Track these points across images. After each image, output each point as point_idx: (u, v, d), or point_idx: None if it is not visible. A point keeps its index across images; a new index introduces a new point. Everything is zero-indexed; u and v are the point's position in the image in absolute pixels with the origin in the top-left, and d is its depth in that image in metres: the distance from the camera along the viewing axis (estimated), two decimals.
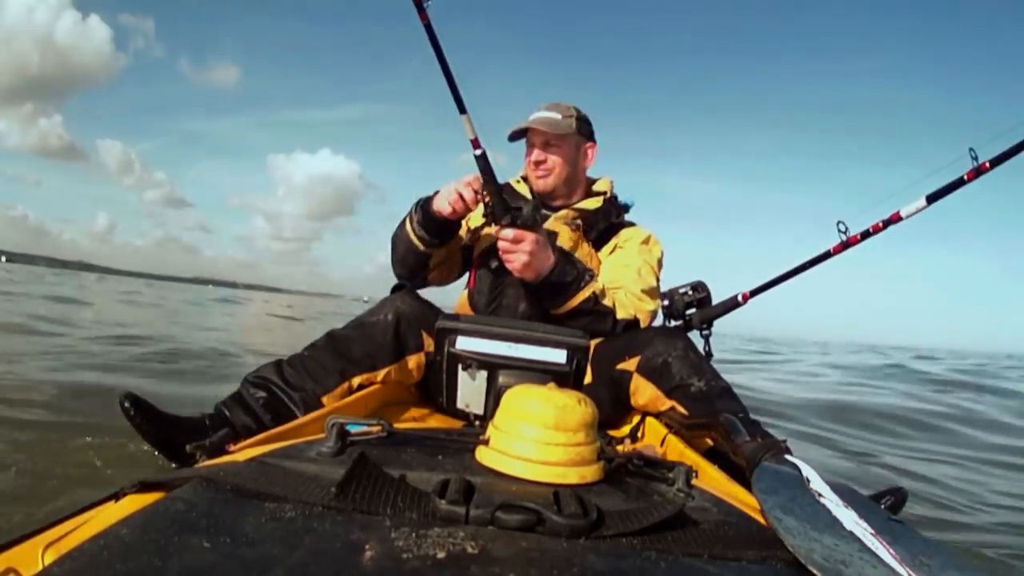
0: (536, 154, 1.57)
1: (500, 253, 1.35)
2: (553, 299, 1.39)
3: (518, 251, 1.31)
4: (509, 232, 1.31)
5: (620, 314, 1.41)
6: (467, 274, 1.65)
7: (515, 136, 1.59)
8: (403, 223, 1.46)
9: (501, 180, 1.44)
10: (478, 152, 1.40)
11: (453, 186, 1.35)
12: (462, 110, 1.41)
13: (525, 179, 1.64)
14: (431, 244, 1.44)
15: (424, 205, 1.40)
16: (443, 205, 1.34)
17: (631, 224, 1.64)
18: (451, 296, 1.67)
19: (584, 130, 1.59)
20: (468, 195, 1.32)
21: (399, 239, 1.47)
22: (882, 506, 1.17)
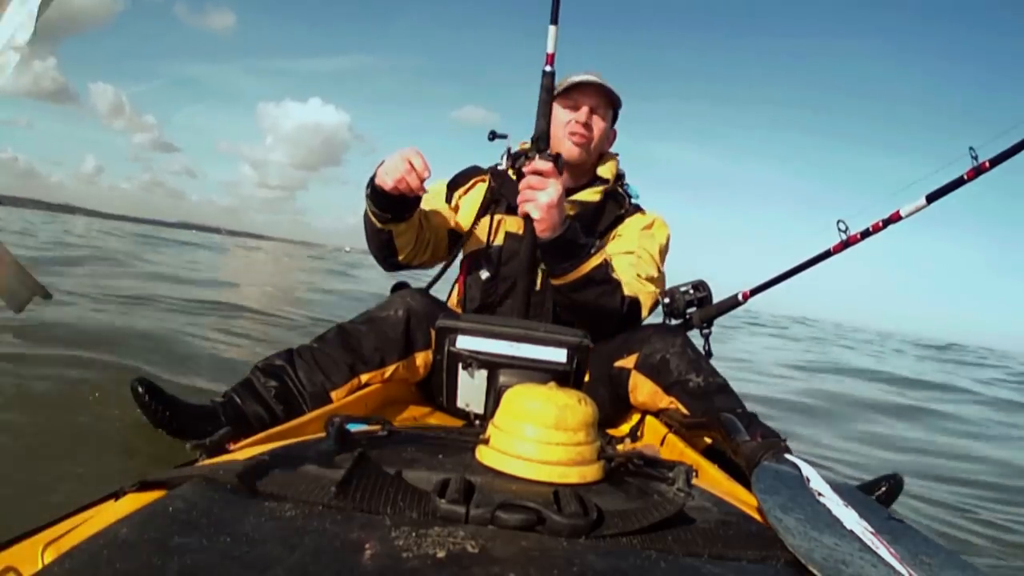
0: (584, 114, 1.44)
1: (522, 188, 1.22)
2: (563, 263, 1.28)
3: (547, 188, 1.19)
4: (544, 163, 1.20)
5: (626, 290, 1.34)
6: (452, 274, 1.57)
7: (565, 94, 1.45)
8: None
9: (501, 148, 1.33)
10: (548, 68, 1.29)
11: (398, 157, 1.22)
12: (554, 20, 1.28)
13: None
14: (385, 220, 1.33)
15: (372, 176, 1.29)
16: (385, 180, 1.23)
17: (637, 209, 1.56)
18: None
19: (618, 111, 1.53)
20: (418, 164, 1.20)
21: (364, 216, 1.38)
22: (878, 493, 1.17)
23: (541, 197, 1.19)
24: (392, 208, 1.30)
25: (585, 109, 1.45)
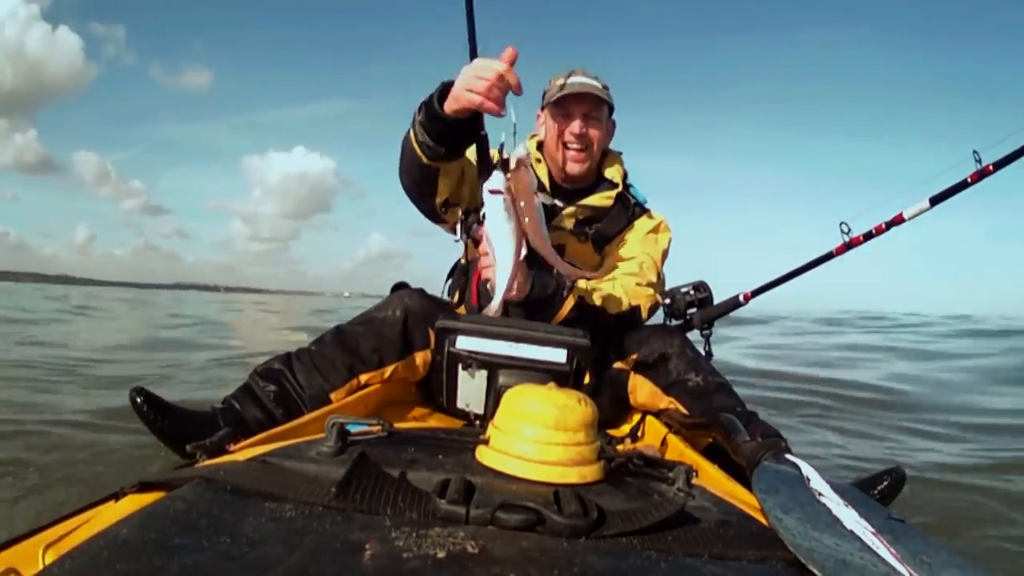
0: (578, 126, 1.36)
1: (479, 262, 1.14)
2: (539, 314, 1.24)
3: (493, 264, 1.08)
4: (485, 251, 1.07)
5: (612, 309, 1.31)
6: (459, 276, 1.54)
7: (556, 103, 1.35)
8: (410, 126, 1.15)
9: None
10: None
11: (483, 67, 0.99)
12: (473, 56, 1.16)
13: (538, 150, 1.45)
14: (436, 156, 1.13)
15: (430, 101, 1.07)
16: (466, 96, 1.00)
17: (644, 211, 1.53)
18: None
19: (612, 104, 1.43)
20: (513, 80, 0.97)
21: (404, 146, 1.18)
22: (879, 488, 1.17)
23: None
24: (451, 140, 1.11)
25: (578, 121, 1.38)
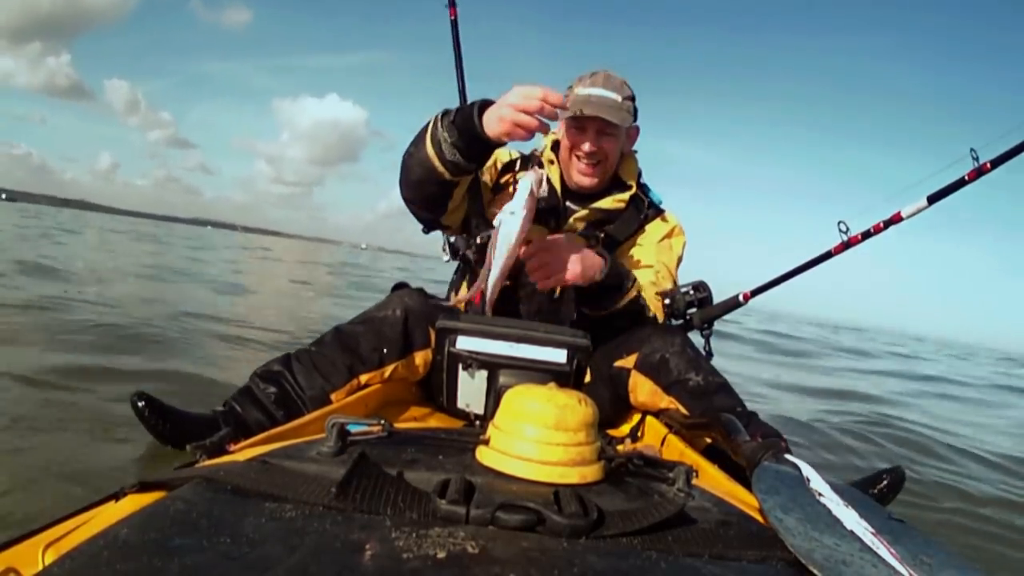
0: (589, 146, 1.35)
1: (530, 269, 1.15)
2: (599, 303, 1.27)
3: (562, 257, 1.13)
4: (552, 240, 1.13)
5: (647, 314, 1.34)
6: (462, 275, 1.55)
7: (572, 119, 1.33)
8: (421, 140, 1.15)
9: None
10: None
11: (525, 95, 1.01)
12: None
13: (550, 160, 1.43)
14: (462, 171, 1.14)
15: (465, 120, 1.07)
16: (508, 124, 1.02)
17: (658, 213, 1.51)
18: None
19: (635, 107, 1.39)
20: (554, 98, 1.00)
21: (415, 161, 1.17)
22: (879, 487, 1.17)
23: (562, 271, 1.14)
24: (481, 156, 1.13)
25: (590, 140, 1.36)
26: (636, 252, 1.47)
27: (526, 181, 1.07)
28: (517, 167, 1.46)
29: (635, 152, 1.53)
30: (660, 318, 1.41)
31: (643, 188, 1.51)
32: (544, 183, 1.08)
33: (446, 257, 1.53)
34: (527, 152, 1.49)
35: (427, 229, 1.38)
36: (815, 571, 0.48)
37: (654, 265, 1.44)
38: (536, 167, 1.11)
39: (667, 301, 1.62)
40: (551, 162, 1.45)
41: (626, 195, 1.45)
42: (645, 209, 1.49)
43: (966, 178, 1.46)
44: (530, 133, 1.03)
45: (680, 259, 1.53)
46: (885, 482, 1.18)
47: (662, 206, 1.53)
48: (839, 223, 1.60)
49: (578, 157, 1.39)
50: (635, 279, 1.31)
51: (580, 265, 1.16)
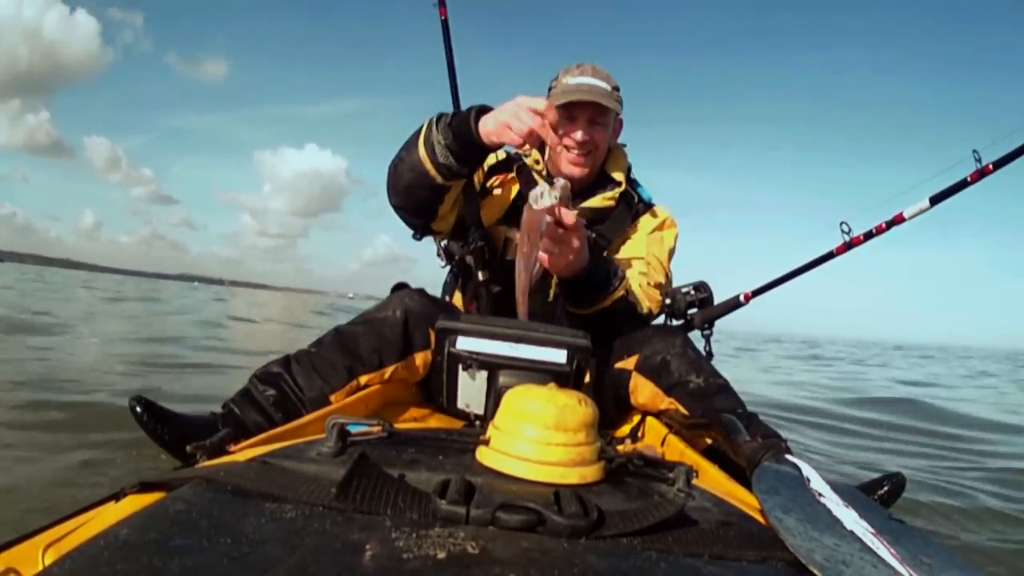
0: (581, 135, 1.33)
1: (544, 239, 1.09)
2: (584, 299, 1.25)
3: (572, 244, 1.08)
4: (570, 215, 1.04)
5: (638, 310, 1.32)
6: (452, 278, 1.54)
7: (561, 104, 1.31)
8: (413, 143, 1.16)
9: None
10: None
11: (520, 108, 1.04)
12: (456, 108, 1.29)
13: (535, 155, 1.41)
14: (455, 175, 1.15)
15: (462, 123, 1.09)
16: (506, 134, 1.05)
17: (648, 207, 1.50)
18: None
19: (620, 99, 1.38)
20: (552, 117, 1.02)
21: (406, 166, 1.18)
22: (879, 493, 1.17)
23: (567, 255, 1.10)
24: (474, 160, 1.14)
25: (581, 128, 1.36)
26: (627, 246, 1.46)
27: (548, 196, 1.02)
28: (515, 171, 1.46)
29: (624, 146, 1.53)
30: (654, 310, 1.39)
31: (633, 184, 1.50)
32: (568, 193, 1.05)
33: (442, 263, 1.53)
34: (512, 152, 1.48)
35: (418, 235, 1.39)
36: (815, 571, 0.48)
37: (644, 257, 1.42)
38: (557, 181, 1.06)
39: (667, 301, 1.62)
40: (536, 162, 1.45)
41: (615, 192, 1.44)
42: (636, 206, 1.48)
43: (968, 179, 1.46)
44: (524, 143, 1.05)
45: (672, 251, 1.51)
46: (885, 488, 1.18)
47: (652, 202, 1.53)
48: (841, 223, 1.60)
49: (568, 147, 1.38)
50: (623, 277, 1.29)
51: (569, 267, 1.14)
